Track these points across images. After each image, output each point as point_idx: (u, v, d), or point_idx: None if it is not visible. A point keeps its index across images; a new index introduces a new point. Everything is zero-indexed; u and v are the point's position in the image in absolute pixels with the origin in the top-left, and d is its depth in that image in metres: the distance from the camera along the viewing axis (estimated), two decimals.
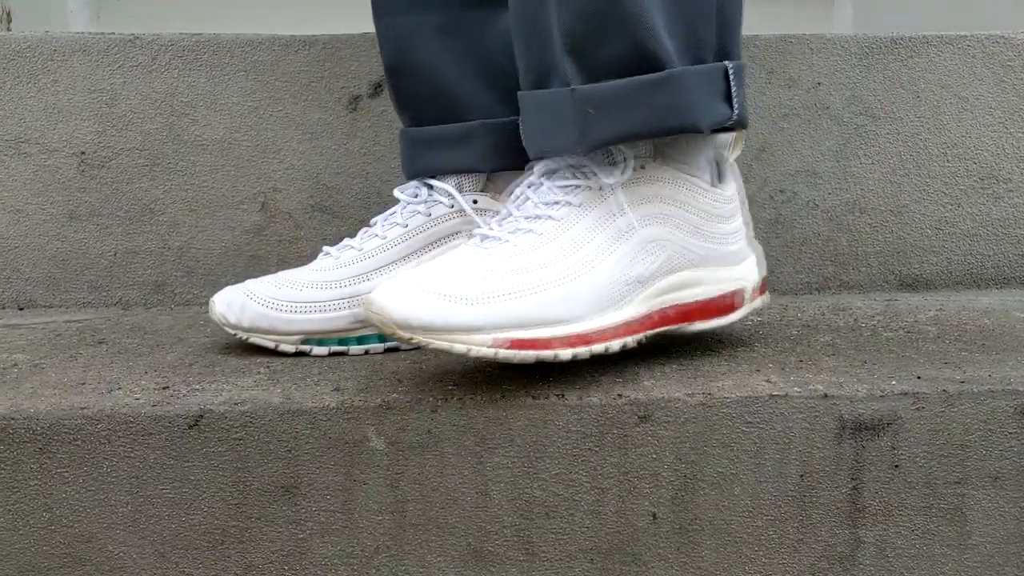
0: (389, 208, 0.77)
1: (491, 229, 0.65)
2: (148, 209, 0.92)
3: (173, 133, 0.92)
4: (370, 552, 0.62)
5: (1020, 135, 0.98)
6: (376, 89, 0.93)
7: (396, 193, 0.76)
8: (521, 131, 0.69)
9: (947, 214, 0.98)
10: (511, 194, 0.68)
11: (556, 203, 0.65)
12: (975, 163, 0.98)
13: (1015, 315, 0.83)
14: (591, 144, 0.64)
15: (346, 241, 0.75)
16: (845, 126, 0.97)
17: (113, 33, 0.92)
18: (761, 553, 0.63)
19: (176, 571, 0.61)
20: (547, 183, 0.66)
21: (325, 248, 0.76)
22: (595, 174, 0.65)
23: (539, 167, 0.67)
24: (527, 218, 0.65)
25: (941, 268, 0.98)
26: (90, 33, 0.93)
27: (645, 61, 0.63)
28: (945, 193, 0.98)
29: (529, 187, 0.67)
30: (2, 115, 0.91)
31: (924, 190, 0.98)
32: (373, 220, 0.76)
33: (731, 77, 0.66)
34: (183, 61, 0.92)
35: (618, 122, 0.63)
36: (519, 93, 0.69)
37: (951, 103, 0.97)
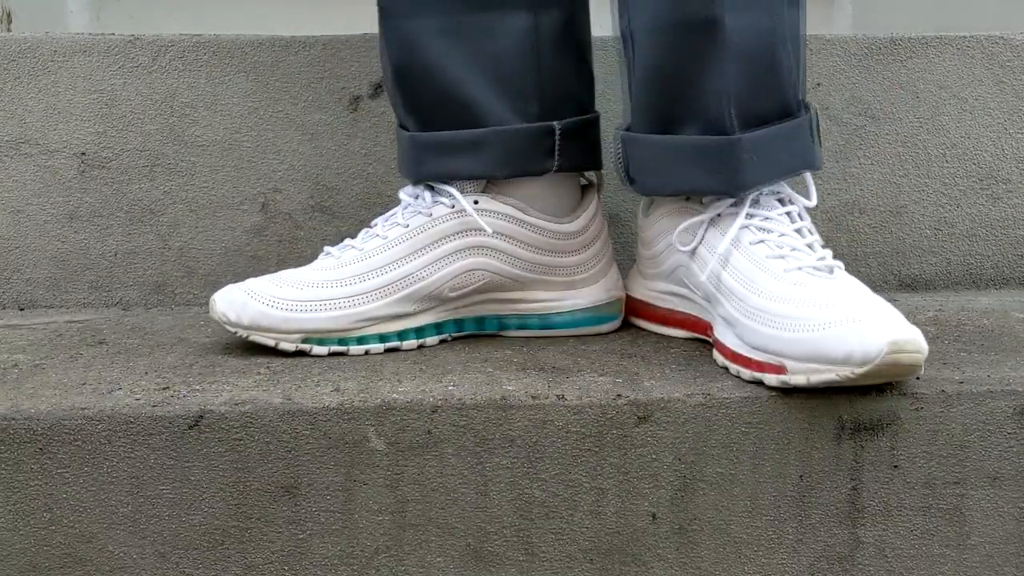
0: (389, 208, 0.77)
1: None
2: (148, 210, 0.92)
3: (173, 134, 0.92)
4: (370, 552, 0.62)
5: (1019, 136, 0.98)
6: (376, 90, 0.93)
7: (401, 195, 0.77)
8: (630, 167, 0.76)
9: (946, 215, 0.98)
10: None
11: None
12: (974, 164, 0.98)
13: (1014, 315, 0.84)
14: (742, 186, 0.70)
15: (347, 241, 0.75)
16: (844, 127, 0.97)
17: (113, 34, 0.92)
18: (760, 553, 0.64)
19: (176, 571, 0.61)
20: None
21: (326, 248, 0.76)
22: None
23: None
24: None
25: (940, 269, 0.98)
26: (90, 34, 0.93)
27: (786, 111, 0.71)
28: (944, 194, 0.98)
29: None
30: (3, 116, 0.91)
31: (923, 191, 0.98)
32: (374, 220, 0.76)
33: (817, 121, 0.73)
34: (183, 62, 0.92)
35: (769, 167, 0.70)
36: (631, 135, 0.75)
37: (950, 104, 0.97)
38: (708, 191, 0.72)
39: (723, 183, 0.70)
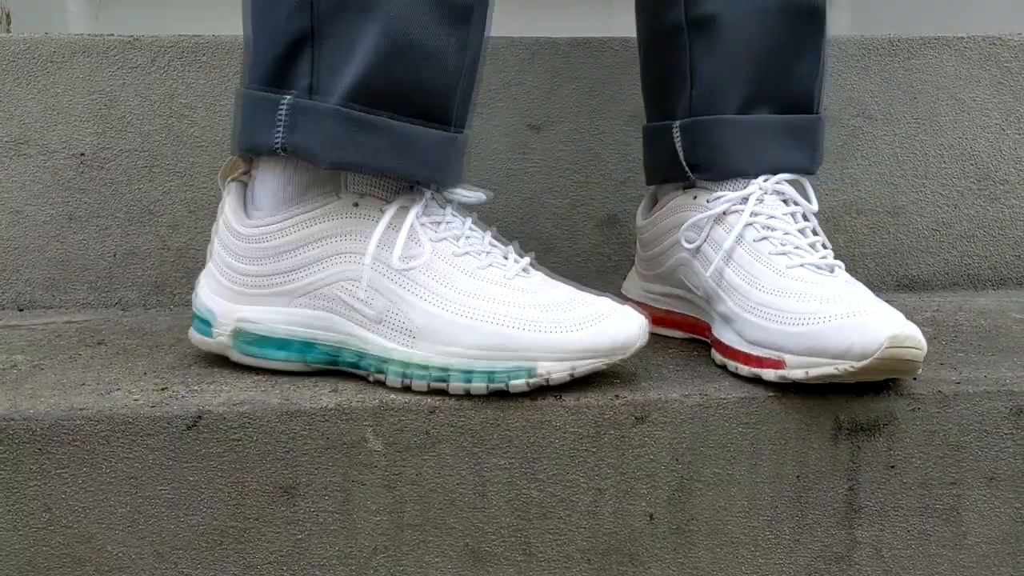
0: None
1: None
2: (147, 210, 0.92)
3: (172, 134, 0.92)
4: (368, 553, 0.62)
5: (1017, 136, 0.98)
6: None
7: None
8: (695, 153, 0.74)
9: (944, 215, 0.98)
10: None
11: None
12: (972, 164, 0.98)
13: (1011, 316, 0.84)
14: (818, 162, 0.75)
15: None
16: (842, 127, 0.97)
17: (112, 35, 0.92)
18: (757, 553, 0.64)
19: (175, 571, 0.61)
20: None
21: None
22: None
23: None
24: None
25: (938, 269, 0.98)
26: (89, 35, 0.93)
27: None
28: (942, 194, 0.98)
29: None
30: (2, 116, 0.91)
31: (921, 191, 0.98)
32: None
33: None
34: (182, 63, 0.92)
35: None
36: (702, 119, 0.74)
37: (948, 104, 0.98)
38: (796, 168, 0.72)
39: (807, 160, 0.73)
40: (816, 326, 0.61)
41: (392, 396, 0.62)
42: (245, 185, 0.69)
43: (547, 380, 0.61)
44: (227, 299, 0.67)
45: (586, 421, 0.62)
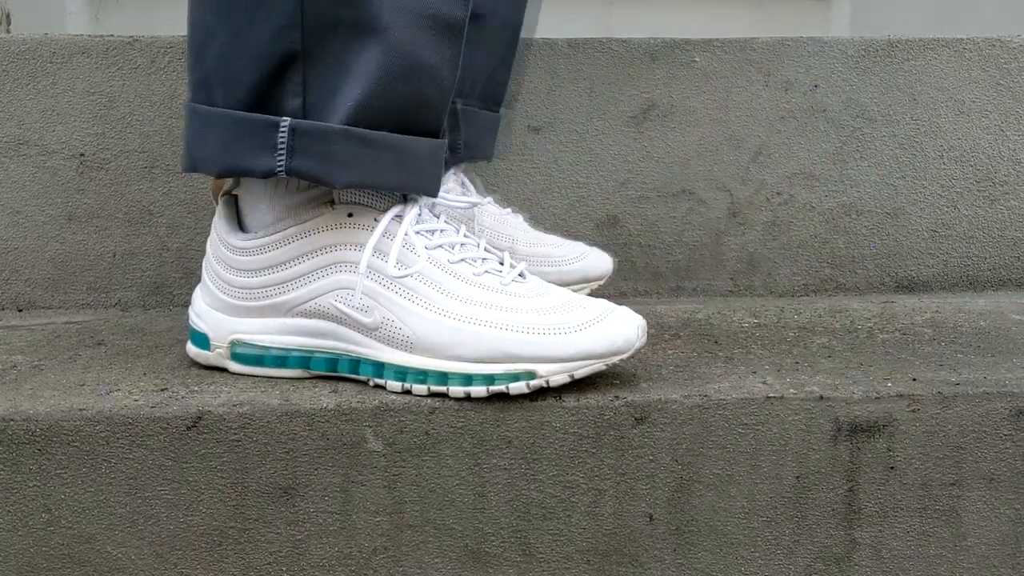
0: None
1: None
2: (147, 211, 0.92)
3: (172, 135, 0.92)
4: (368, 553, 0.62)
5: (1016, 138, 0.98)
6: None
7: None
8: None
9: (943, 217, 0.98)
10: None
11: None
12: (971, 166, 0.98)
13: (1011, 317, 0.84)
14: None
15: None
16: (842, 129, 0.97)
17: (112, 35, 0.92)
18: (757, 554, 0.64)
19: (175, 572, 0.61)
20: None
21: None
22: None
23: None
24: None
25: (937, 270, 0.98)
26: (89, 35, 0.93)
27: None
28: (941, 196, 0.98)
29: None
30: (1, 117, 0.91)
31: (921, 193, 0.98)
32: None
33: None
34: (182, 63, 0.92)
35: None
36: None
37: (948, 106, 0.98)
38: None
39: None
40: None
41: (392, 397, 0.62)
42: (235, 198, 0.69)
43: (547, 383, 0.61)
44: (223, 312, 0.67)
45: (586, 422, 0.62)
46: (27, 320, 0.86)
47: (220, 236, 0.68)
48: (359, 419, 0.61)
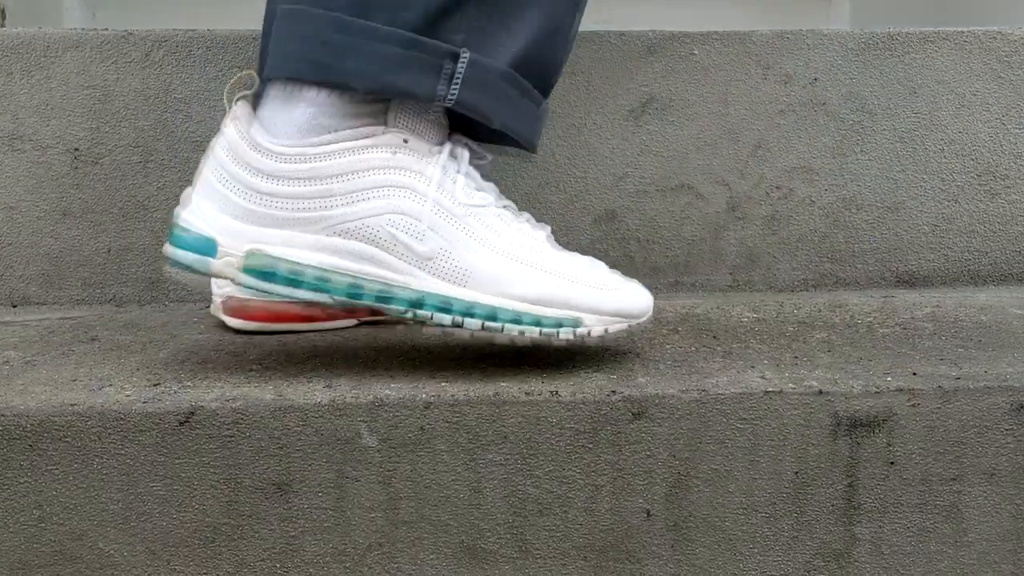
0: None
1: None
2: (142, 206, 0.91)
3: (167, 129, 0.91)
4: (362, 550, 0.62)
5: (1017, 131, 0.98)
6: None
7: None
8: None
9: (944, 211, 0.98)
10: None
11: None
12: (972, 159, 0.98)
13: (1012, 311, 0.83)
14: None
15: None
16: (842, 122, 0.96)
17: (107, 29, 0.92)
18: (756, 550, 0.63)
19: (167, 569, 0.61)
20: None
21: None
22: None
23: None
24: None
25: (938, 265, 0.98)
26: (83, 29, 0.92)
27: None
28: (942, 190, 0.98)
29: None
30: None
31: (921, 187, 0.97)
32: None
33: None
34: (177, 57, 0.91)
35: None
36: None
37: (948, 99, 0.97)
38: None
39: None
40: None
41: (386, 392, 0.61)
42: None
43: (588, 333, 0.63)
44: (241, 219, 0.63)
45: (583, 417, 0.61)
46: (21, 316, 0.86)
47: (248, 136, 0.63)
48: (353, 414, 0.60)
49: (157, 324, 0.81)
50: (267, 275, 0.62)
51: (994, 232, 0.98)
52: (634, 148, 0.95)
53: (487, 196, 0.66)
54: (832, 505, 0.63)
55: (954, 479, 0.63)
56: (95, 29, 0.92)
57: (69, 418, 0.59)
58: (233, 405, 0.60)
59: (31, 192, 0.91)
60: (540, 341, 0.63)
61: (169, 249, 0.63)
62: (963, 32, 0.97)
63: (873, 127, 0.96)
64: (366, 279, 0.63)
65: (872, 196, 0.97)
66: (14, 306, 0.91)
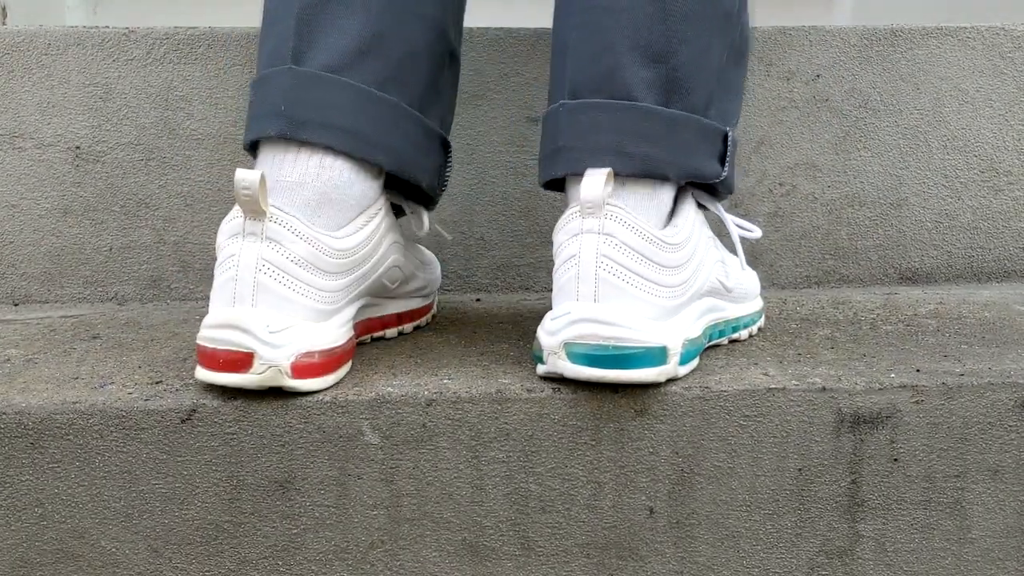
0: None
1: None
2: (143, 204, 0.91)
3: (168, 127, 0.91)
4: (365, 547, 0.61)
5: (1020, 127, 0.97)
6: None
7: None
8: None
9: (947, 207, 0.97)
10: None
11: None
12: (975, 156, 0.97)
13: (1015, 308, 0.83)
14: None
15: None
16: (844, 118, 0.96)
17: (108, 27, 0.92)
18: (759, 547, 0.63)
19: (169, 566, 0.61)
20: None
21: None
22: None
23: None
24: None
25: (941, 261, 0.98)
26: (85, 27, 0.92)
27: None
28: (945, 186, 0.97)
29: None
30: None
31: (924, 183, 0.97)
32: None
33: None
34: (178, 55, 0.91)
35: None
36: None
37: (951, 95, 0.97)
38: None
39: None
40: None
41: (388, 389, 0.61)
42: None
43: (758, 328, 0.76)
44: (665, 319, 0.61)
45: (585, 414, 0.61)
46: (23, 314, 0.86)
47: (649, 233, 0.60)
48: (355, 411, 0.60)
49: (158, 322, 0.81)
50: (696, 351, 0.66)
51: (997, 228, 0.98)
52: None
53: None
54: (835, 502, 0.63)
55: (958, 476, 0.63)
56: (96, 27, 0.92)
57: (71, 416, 0.59)
58: (235, 402, 0.60)
59: (32, 190, 0.91)
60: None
61: (623, 374, 0.59)
62: (966, 28, 0.97)
63: (876, 123, 0.96)
64: (715, 324, 0.71)
65: (875, 192, 0.97)
66: (16, 304, 0.91)
